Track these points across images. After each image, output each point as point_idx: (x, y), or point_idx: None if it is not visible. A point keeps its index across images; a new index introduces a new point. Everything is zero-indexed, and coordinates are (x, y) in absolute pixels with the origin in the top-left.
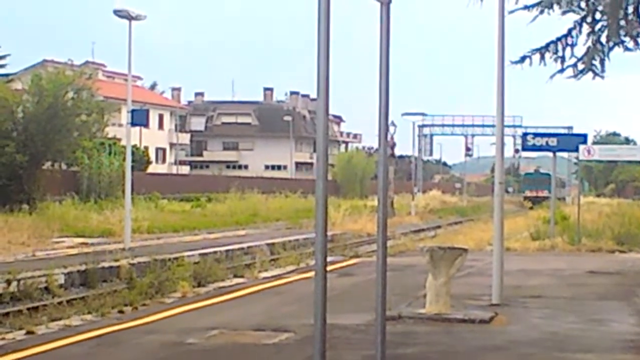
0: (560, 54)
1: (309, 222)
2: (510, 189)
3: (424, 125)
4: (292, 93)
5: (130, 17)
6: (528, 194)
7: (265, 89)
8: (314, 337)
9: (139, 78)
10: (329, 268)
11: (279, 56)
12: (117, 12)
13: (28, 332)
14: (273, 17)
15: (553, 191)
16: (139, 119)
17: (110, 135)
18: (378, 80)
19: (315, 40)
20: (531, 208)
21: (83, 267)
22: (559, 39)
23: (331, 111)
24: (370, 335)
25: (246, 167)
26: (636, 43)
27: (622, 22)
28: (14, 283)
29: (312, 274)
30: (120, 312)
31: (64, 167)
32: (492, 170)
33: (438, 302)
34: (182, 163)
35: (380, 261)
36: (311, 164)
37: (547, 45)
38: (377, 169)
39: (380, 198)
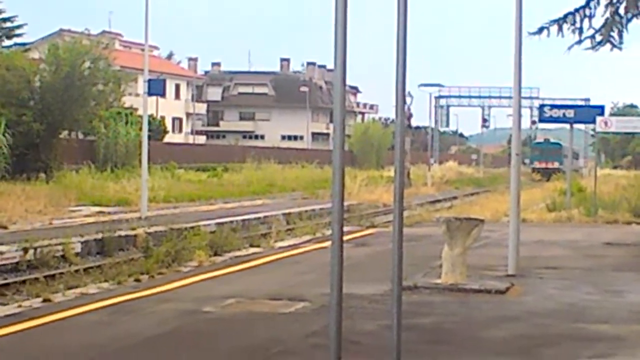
0: (578, 25)
1: (325, 192)
2: (527, 161)
3: (440, 97)
4: (308, 64)
5: None
6: (537, 165)
7: (282, 60)
8: (330, 306)
9: (156, 48)
10: (345, 238)
11: (295, 26)
12: None
13: (45, 300)
14: None
15: (569, 162)
16: (156, 88)
17: (127, 105)
18: (395, 51)
19: (333, 10)
20: (539, 181)
21: (99, 236)
22: (577, 10)
23: (348, 82)
24: (387, 305)
25: (262, 137)
26: None
27: None
28: (31, 251)
29: (328, 243)
30: (137, 280)
31: (80, 136)
32: (509, 141)
33: (454, 272)
34: (198, 133)
35: (396, 231)
36: (327, 134)
37: (565, 16)
38: (394, 139)
39: (397, 168)
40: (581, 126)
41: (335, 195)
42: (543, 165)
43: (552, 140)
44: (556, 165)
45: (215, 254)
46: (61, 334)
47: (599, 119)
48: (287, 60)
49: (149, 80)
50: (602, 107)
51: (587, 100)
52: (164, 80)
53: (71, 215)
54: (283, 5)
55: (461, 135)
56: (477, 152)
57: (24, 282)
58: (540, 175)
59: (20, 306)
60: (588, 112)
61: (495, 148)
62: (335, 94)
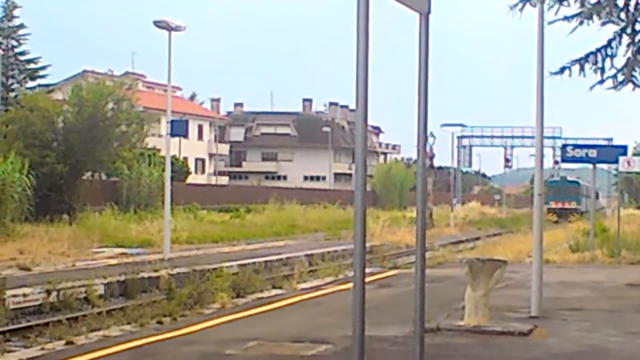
0: (599, 65)
1: (347, 233)
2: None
3: (463, 137)
4: (331, 104)
5: (170, 28)
6: (553, 205)
7: (304, 100)
8: (352, 348)
9: (179, 89)
10: (367, 279)
11: (318, 67)
12: (156, 23)
13: (67, 343)
14: (312, 27)
15: (593, 202)
16: (178, 129)
17: (149, 146)
18: (417, 91)
19: (354, 50)
20: (556, 222)
21: (122, 278)
22: (598, 50)
23: (370, 122)
24: (409, 347)
25: (285, 177)
26: None
27: None
28: (54, 293)
29: (350, 285)
30: (159, 322)
31: (103, 177)
32: (532, 181)
33: (477, 314)
34: (221, 174)
35: (418, 272)
36: (350, 174)
37: (587, 56)
38: (416, 180)
39: (418, 209)
40: (604, 166)
41: (357, 235)
42: (559, 206)
43: (569, 178)
44: (573, 205)
45: (238, 296)
46: None
47: (621, 158)
48: (310, 100)
49: (172, 121)
50: (625, 147)
51: (610, 140)
52: (187, 121)
53: (94, 257)
54: (305, 45)
55: (484, 175)
56: (500, 193)
57: (47, 324)
58: (556, 217)
59: (43, 349)
60: (611, 152)
61: (518, 188)
62: (357, 133)
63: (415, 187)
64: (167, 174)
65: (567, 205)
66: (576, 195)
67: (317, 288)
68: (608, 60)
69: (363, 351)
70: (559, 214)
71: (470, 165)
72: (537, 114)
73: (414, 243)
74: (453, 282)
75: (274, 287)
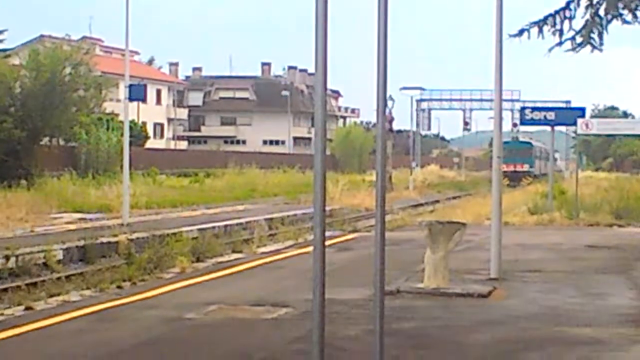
0: (558, 27)
1: (307, 197)
2: None
3: (422, 100)
4: (289, 68)
5: None
6: (504, 168)
7: (263, 64)
8: (312, 311)
9: (137, 53)
10: (327, 243)
11: (276, 31)
12: None
13: (27, 308)
14: None
15: (551, 165)
16: (137, 94)
17: (108, 111)
18: (376, 55)
19: (313, 14)
20: (509, 185)
21: (81, 243)
22: (557, 12)
23: (329, 86)
24: (369, 309)
25: (244, 142)
26: (634, 16)
27: None
28: (12, 259)
29: (310, 248)
30: (119, 287)
31: (61, 142)
32: (490, 144)
33: (436, 276)
34: (180, 138)
35: (378, 236)
36: (309, 138)
37: (546, 18)
38: (376, 143)
39: (378, 172)
40: (562, 128)
41: (316, 199)
42: (511, 169)
43: (520, 139)
44: (526, 168)
45: (198, 260)
46: (43, 342)
47: (580, 121)
48: (269, 64)
49: (130, 86)
50: (583, 110)
51: (569, 102)
52: (145, 86)
53: (53, 222)
54: (264, 9)
55: (443, 138)
56: (459, 156)
57: (5, 290)
58: (508, 180)
59: (2, 314)
60: (569, 115)
61: (477, 151)
62: (316, 97)
63: (374, 150)
64: (126, 139)
65: (519, 168)
66: (529, 157)
67: (277, 252)
68: (566, 22)
69: (324, 314)
70: (510, 177)
71: (429, 128)
72: (495, 77)
73: (373, 206)
74: (413, 245)
75: (234, 251)
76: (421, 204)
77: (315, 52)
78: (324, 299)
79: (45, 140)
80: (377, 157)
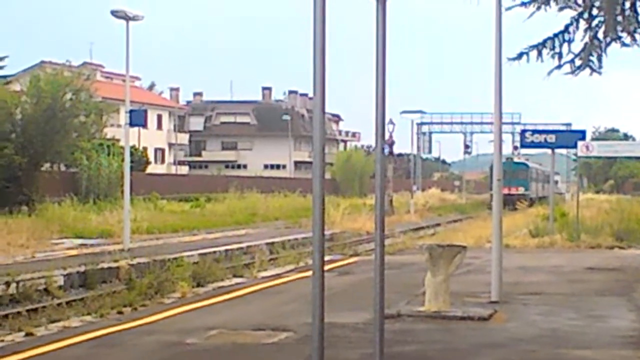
0: (557, 50)
1: (308, 221)
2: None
3: (422, 123)
4: (290, 92)
5: (127, 18)
6: None
7: (264, 89)
8: (312, 336)
9: (137, 78)
10: (328, 267)
11: (277, 56)
12: (114, 13)
13: (27, 334)
14: (271, 16)
15: (551, 187)
16: (137, 119)
17: (109, 136)
18: (375, 79)
19: (311, 38)
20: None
21: (82, 269)
22: (556, 35)
23: (330, 110)
24: (369, 333)
25: (245, 166)
26: (633, 39)
27: (619, 18)
28: (13, 285)
29: (311, 272)
30: (120, 312)
31: (62, 168)
32: (491, 167)
33: (437, 299)
34: (181, 163)
35: (378, 260)
36: (310, 162)
37: (544, 41)
38: (375, 167)
39: (377, 196)
40: (563, 151)
41: (315, 223)
42: (505, 192)
43: (516, 160)
44: (521, 190)
45: (199, 285)
46: None
47: (580, 143)
48: (269, 89)
49: (131, 111)
50: (583, 132)
51: (569, 125)
52: (145, 111)
53: (54, 248)
54: (264, 34)
55: (444, 162)
56: (460, 179)
57: (6, 316)
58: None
59: (2, 341)
60: (569, 137)
61: (478, 174)
62: (315, 121)
63: (375, 174)
64: (127, 164)
65: (513, 191)
66: (524, 179)
67: (278, 276)
68: (565, 45)
69: (323, 338)
70: (504, 201)
71: (430, 151)
72: (495, 100)
73: (374, 230)
74: (413, 268)
75: (234, 276)
76: (422, 227)
77: (314, 77)
78: (323, 323)
79: (47, 166)
80: (376, 181)
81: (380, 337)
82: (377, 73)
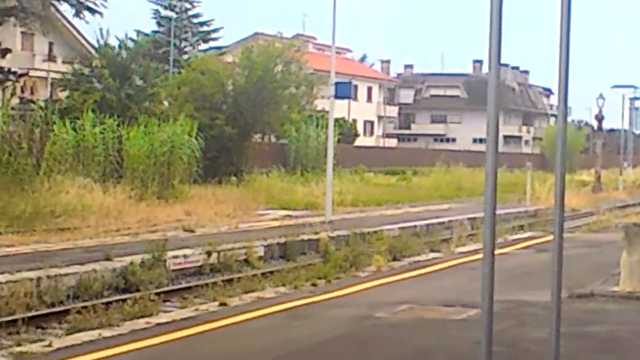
0: None
1: (513, 196)
2: None
3: (635, 98)
4: (502, 65)
5: None
6: None
7: (475, 61)
8: (481, 314)
9: (349, 50)
10: (527, 244)
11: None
12: None
13: (221, 304)
14: None
15: None
16: (344, 91)
17: (319, 108)
18: (558, 47)
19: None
20: None
21: (282, 240)
22: None
23: (542, 84)
24: (562, 312)
25: (454, 140)
26: None
27: None
28: (214, 254)
29: (509, 249)
30: (314, 285)
31: (272, 139)
32: None
33: (632, 279)
34: (389, 136)
35: (557, 240)
36: (520, 137)
37: None
38: (556, 140)
39: (557, 173)
40: None
41: (487, 201)
42: None
43: None
44: None
45: (394, 259)
46: (233, 338)
47: None
48: (480, 62)
49: (336, 83)
50: None
51: None
52: (351, 83)
53: (258, 219)
54: (477, 7)
55: None
56: None
57: (205, 285)
58: None
59: (197, 309)
60: None
61: None
62: (489, 93)
63: (585, 149)
64: (330, 136)
65: None
66: None
67: (475, 252)
68: None
69: (491, 318)
70: None
71: None
72: None
73: (579, 207)
74: (614, 247)
75: (431, 251)
76: (629, 205)
77: (489, 47)
78: (492, 302)
79: (256, 137)
80: (557, 155)
81: (557, 318)
82: (560, 45)
